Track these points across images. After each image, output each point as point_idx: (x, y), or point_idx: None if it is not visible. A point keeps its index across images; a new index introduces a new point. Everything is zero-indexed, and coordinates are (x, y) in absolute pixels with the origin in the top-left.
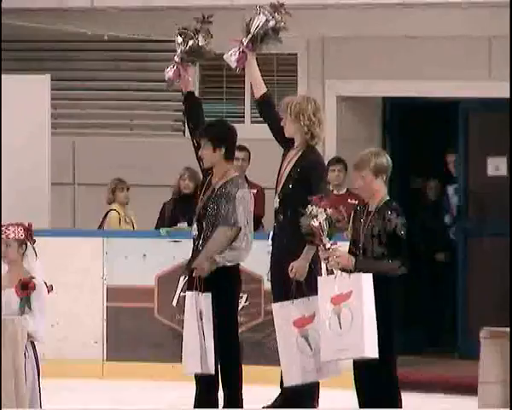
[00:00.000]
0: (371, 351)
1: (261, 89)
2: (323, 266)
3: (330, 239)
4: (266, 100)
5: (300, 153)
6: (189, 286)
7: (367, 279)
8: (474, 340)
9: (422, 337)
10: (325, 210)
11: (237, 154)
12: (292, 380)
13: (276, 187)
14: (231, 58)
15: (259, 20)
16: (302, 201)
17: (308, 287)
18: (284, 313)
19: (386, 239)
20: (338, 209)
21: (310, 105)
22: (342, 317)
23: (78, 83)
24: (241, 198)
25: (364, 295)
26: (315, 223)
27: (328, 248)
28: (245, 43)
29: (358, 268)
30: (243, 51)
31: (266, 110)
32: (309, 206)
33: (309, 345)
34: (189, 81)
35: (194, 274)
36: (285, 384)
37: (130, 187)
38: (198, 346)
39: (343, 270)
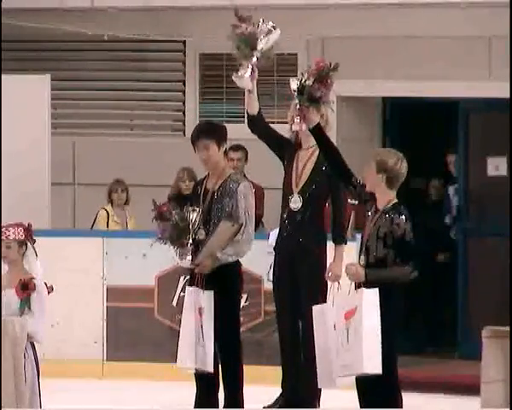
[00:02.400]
0: (372, 367)
1: (257, 105)
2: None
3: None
4: (261, 116)
5: (317, 152)
6: (190, 283)
7: (370, 295)
8: (474, 340)
9: (423, 337)
10: (310, 78)
11: (232, 154)
12: (328, 384)
13: (291, 187)
14: (247, 79)
15: (269, 34)
16: (325, 200)
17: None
18: (330, 311)
19: (392, 243)
20: (321, 88)
21: None
22: (350, 332)
23: (78, 83)
24: (242, 192)
25: (365, 310)
26: (292, 84)
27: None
28: (254, 61)
29: (370, 279)
30: (254, 70)
31: (262, 125)
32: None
33: (347, 338)
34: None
35: (196, 271)
36: (322, 387)
37: (127, 188)
38: (193, 341)
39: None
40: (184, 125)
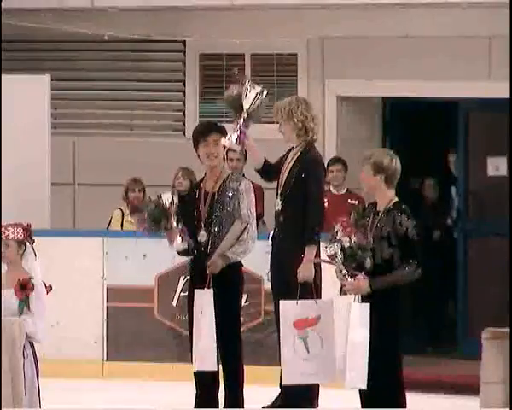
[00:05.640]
0: (355, 382)
1: (261, 158)
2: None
3: (349, 266)
4: (267, 166)
5: (299, 153)
6: (198, 283)
7: (357, 309)
8: (474, 340)
9: (423, 337)
10: (350, 237)
11: (231, 155)
12: (288, 380)
13: (277, 189)
14: (233, 141)
15: (254, 94)
16: (302, 201)
17: (315, 289)
18: (287, 312)
19: (396, 242)
20: (364, 235)
21: (299, 103)
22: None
23: (78, 83)
24: (244, 190)
25: (352, 325)
26: (329, 251)
27: (345, 275)
28: (241, 122)
29: (376, 288)
30: (241, 131)
31: (270, 175)
32: (336, 228)
33: (306, 348)
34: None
35: (207, 271)
36: (282, 383)
37: (145, 187)
38: (212, 343)
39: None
40: (184, 125)
